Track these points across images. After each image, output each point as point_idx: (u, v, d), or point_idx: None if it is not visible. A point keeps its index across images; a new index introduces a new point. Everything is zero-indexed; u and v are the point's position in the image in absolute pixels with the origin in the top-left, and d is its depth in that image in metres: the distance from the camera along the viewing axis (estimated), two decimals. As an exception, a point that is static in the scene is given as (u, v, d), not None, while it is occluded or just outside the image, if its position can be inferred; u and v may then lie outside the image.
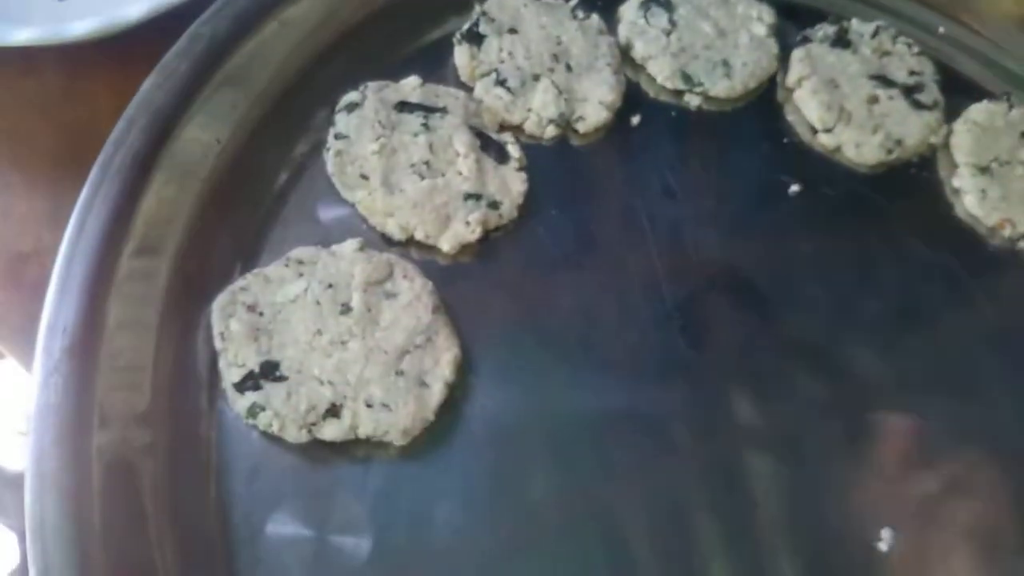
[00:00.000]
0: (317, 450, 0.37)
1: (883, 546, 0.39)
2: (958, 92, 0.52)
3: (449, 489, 0.38)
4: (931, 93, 0.51)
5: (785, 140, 0.50)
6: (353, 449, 0.38)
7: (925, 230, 0.48)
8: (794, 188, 0.48)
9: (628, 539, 0.38)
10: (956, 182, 0.49)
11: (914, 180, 0.50)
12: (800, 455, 0.41)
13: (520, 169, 0.45)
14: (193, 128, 0.42)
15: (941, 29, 0.54)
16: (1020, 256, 0.48)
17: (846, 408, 0.42)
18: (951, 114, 0.51)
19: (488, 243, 0.44)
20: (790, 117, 0.50)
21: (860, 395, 0.43)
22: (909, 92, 0.50)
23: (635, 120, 0.48)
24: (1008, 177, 0.49)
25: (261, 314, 0.39)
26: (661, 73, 0.49)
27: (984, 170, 0.49)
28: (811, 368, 0.43)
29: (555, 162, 0.46)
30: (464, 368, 0.40)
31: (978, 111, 0.51)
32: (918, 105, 0.50)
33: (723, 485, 0.40)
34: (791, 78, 0.50)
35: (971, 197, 0.49)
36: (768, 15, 0.52)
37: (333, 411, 0.37)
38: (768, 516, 0.39)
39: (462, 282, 0.42)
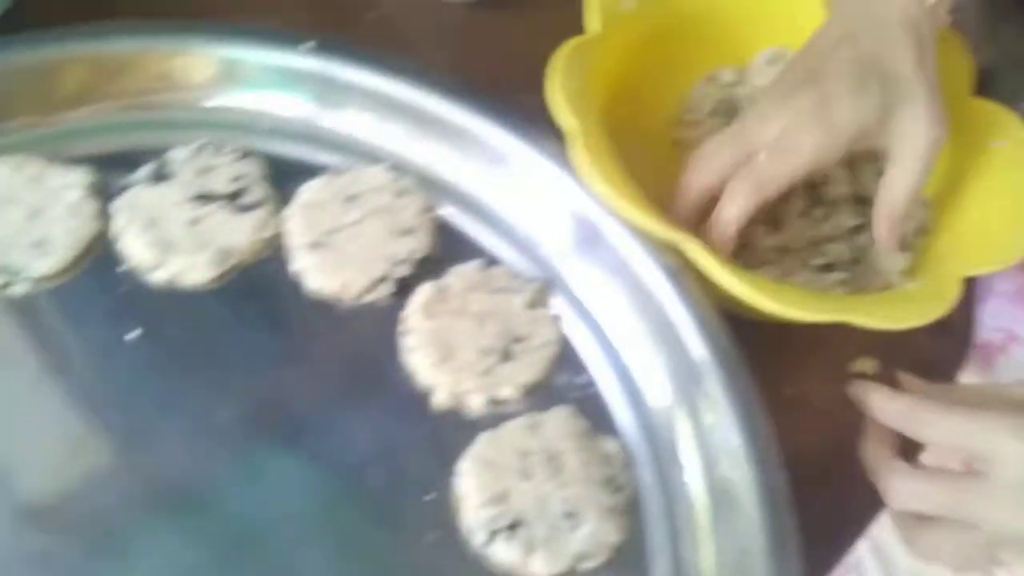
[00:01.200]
0: None
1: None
2: (291, 178, 0.54)
3: None
4: (255, 192, 0.53)
5: (122, 290, 0.51)
6: None
7: (276, 320, 0.51)
8: (133, 335, 0.49)
9: None
10: (295, 265, 0.52)
11: (261, 279, 0.52)
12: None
13: None
14: None
15: (267, 124, 0.56)
16: (371, 307, 0.51)
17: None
18: (287, 201, 0.54)
19: None
20: (125, 267, 0.51)
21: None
22: (232, 199, 0.53)
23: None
24: (338, 243, 0.52)
25: None
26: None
27: (315, 245, 0.52)
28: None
29: None
30: None
31: (308, 190, 0.54)
32: (242, 209, 0.52)
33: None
34: (114, 229, 0.52)
35: (310, 274, 0.51)
36: (82, 178, 0.53)
37: None
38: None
39: None
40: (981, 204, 0.56)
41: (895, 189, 0.49)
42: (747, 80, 0.63)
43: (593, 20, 0.55)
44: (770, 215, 0.57)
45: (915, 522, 0.45)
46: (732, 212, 0.48)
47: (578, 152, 0.48)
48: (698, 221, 0.51)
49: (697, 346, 0.48)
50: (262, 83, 0.55)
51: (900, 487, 0.44)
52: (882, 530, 0.51)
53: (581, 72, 0.53)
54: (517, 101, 0.55)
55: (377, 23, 0.65)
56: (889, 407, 0.45)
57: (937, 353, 0.58)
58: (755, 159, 0.49)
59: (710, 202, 0.50)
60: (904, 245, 0.57)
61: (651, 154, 0.59)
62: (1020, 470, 0.41)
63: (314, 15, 0.64)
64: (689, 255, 0.47)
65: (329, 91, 0.55)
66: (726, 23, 0.63)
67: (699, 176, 0.50)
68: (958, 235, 0.56)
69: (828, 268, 0.55)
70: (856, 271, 0.56)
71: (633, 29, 0.59)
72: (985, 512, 0.42)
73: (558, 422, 0.48)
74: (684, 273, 0.49)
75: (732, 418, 0.46)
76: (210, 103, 0.55)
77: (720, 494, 0.46)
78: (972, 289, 0.59)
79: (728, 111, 0.62)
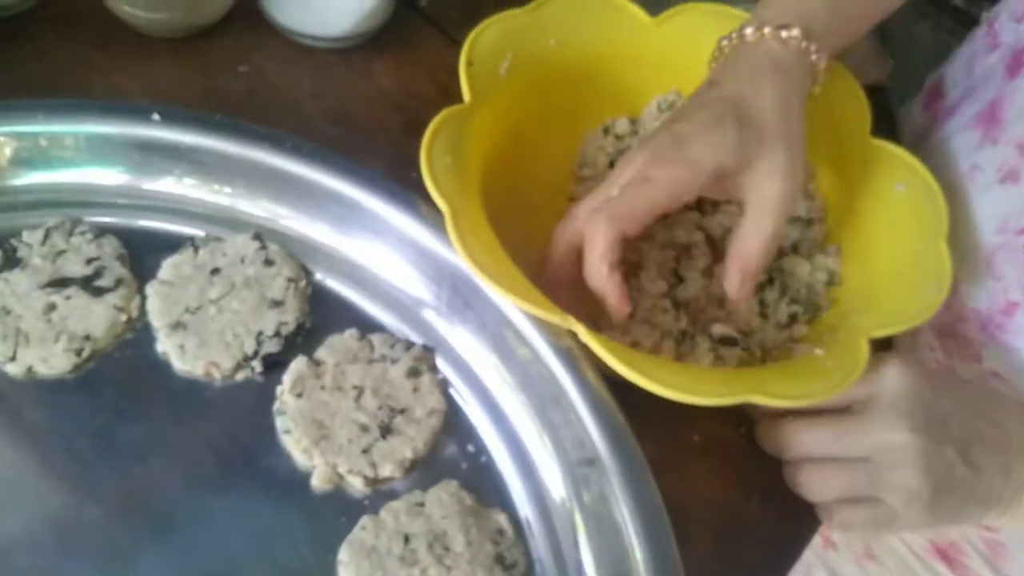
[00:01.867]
0: None
1: None
2: (152, 253, 0.51)
3: None
4: (112, 273, 0.50)
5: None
6: None
7: (142, 406, 0.48)
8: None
9: None
10: (159, 347, 0.49)
11: (125, 364, 0.49)
12: None
13: None
14: None
15: (121, 200, 0.53)
16: (244, 385, 0.48)
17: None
18: (150, 278, 0.51)
19: None
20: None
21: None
22: (88, 282, 0.50)
23: None
24: (202, 321, 0.49)
25: None
26: None
27: (178, 325, 0.49)
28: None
29: None
30: None
31: (166, 269, 0.50)
32: (99, 292, 0.49)
33: None
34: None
35: (174, 357, 0.48)
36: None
37: None
38: None
39: None
40: (888, 254, 0.54)
41: (747, 242, 0.48)
42: (641, 129, 0.62)
43: (466, 90, 0.53)
44: (673, 271, 0.56)
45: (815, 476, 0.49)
46: (594, 253, 0.46)
47: (451, 232, 0.46)
48: (572, 278, 0.48)
49: (584, 416, 0.46)
50: (116, 157, 0.52)
51: (793, 438, 0.50)
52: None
53: (459, 141, 0.51)
54: (396, 153, 0.53)
55: (249, 76, 0.62)
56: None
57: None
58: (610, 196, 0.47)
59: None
60: (814, 296, 0.56)
61: (551, 210, 0.58)
62: (897, 387, 0.47)
63: (185, 71, 0.61)
64: (574, 331, 0.45)
65: (188, 161, 0.52)
66: (616, 72, 0.61)
67: (563, 227, 0.48)
68: (866, 287, 0.54)
69: (730, 342, 0.53)
70: (763, 329, 0.55)
71: (519, 87, 0.57)
72: (866, 438, 0.47)
73: (443, 499, 0.46)
74: (572, 351, 0.47)
75: (621, 487, 0.44)
76: (61, 179, 0.52)
77: (615, 570, 0.44)
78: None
79: None
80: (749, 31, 0.51)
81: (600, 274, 0.46)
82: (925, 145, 0.61)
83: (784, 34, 0.50)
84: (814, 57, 0.50)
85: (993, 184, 0.54)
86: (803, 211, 0.58)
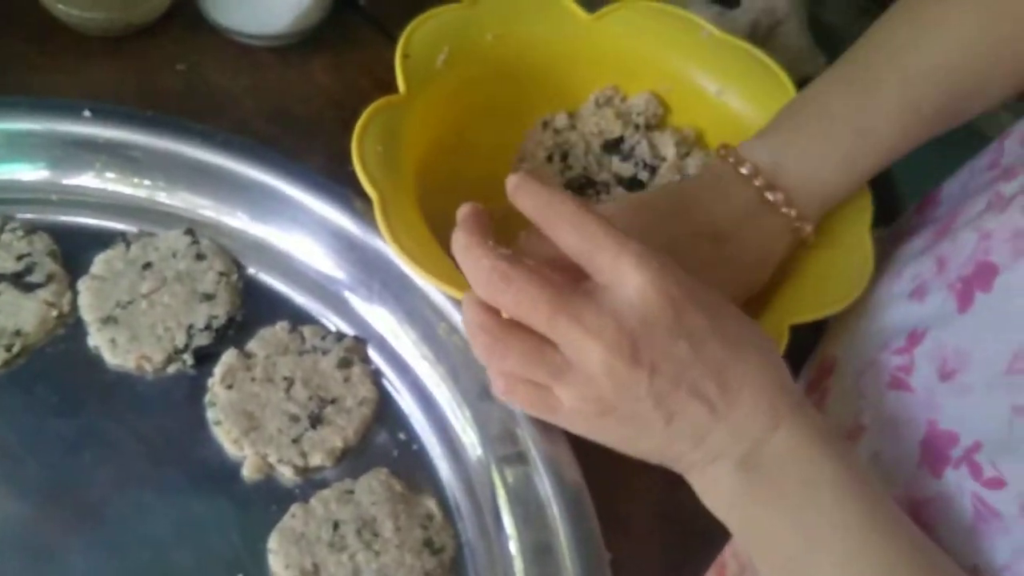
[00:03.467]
0: None
1: None
2: (85, 249, 0.51)
3: None
4: (43, 269, 0.50)
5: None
6: None
7: (74, 400, 0.48)
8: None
9: None
10: (91, 342, 0.49)
11: (57, 359, 0.49)
12: None
13: None
14: None
15: (54, 196, 0.53)
16: (175, 378, 0.49)
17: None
18: (82, 274, 0.51)
19: None
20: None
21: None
22: (19, 278, 0.50)
23: None
24: (134, 315, 0.49)
25: None
26: None
27: (109, 319, 0.49)
28: None
29: None
30: None
31: (98, 264, 0.51)
32: (29, 288, 0.49)
33: None
34: None
35: (105, 351, 0.49)
36: None
37: None
38: None
39: None
40: (812, 246, 0.55)
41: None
42: (579, 124, 0.62)
43: (401, 82, 0.53)
44: None
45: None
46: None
47: (379, 219, 0.47)
48: None
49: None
50: (45, 154, 0.52)
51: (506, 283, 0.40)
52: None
53: (393, 131, 0.52)
54: (333, 149, 0.53)
55: (188, 75, 0.63)
56: (529, 199, 0.42)
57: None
58: None
59: None
60: None
61: (489, 201, 0.58)
62: (633, 301, 0.38)
63: (122, 70, 0.61)
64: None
65: (119, 157, 0.52)
66: (554, 68, 0.62)
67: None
68: (790, 276, 0.55)
69: None
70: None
71: (456, 81, 0.57)
72: (571, 331, 0.39)
73: (373, 486, 0.46)
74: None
75: (545, 471, 0.45)
76: (-10, 177, 0.52)
77: (539, 550, 0.45)
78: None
79: (562, 156, 0.61)
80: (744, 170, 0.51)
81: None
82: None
83: (770, 196, 0.50)
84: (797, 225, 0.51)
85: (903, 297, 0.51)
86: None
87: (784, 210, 0.50)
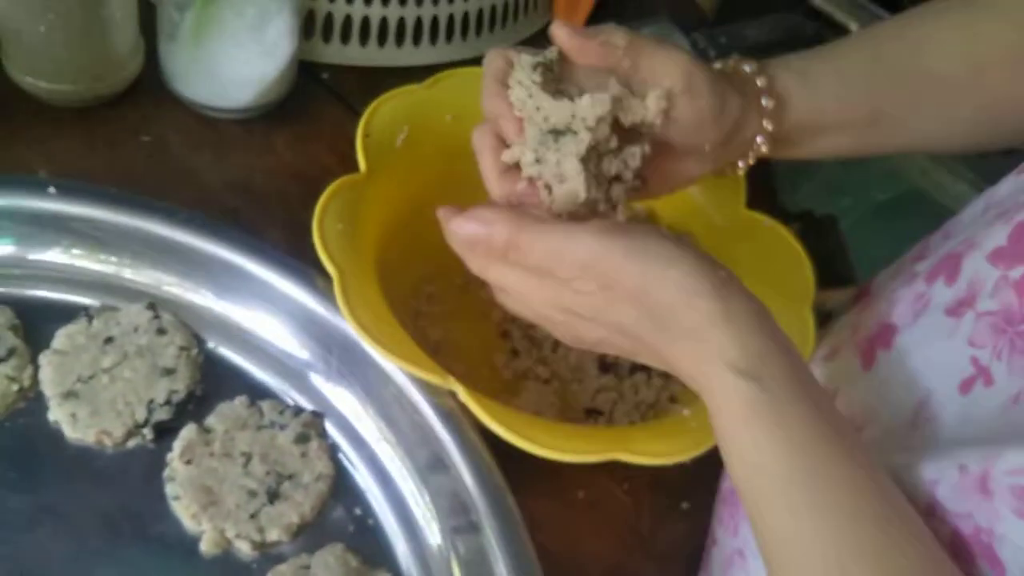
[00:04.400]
0: None
1: None
2: (47, 322, 0.52)
3: None
4: (4, 343, 0.51)
5: None
6: None
7: (33, 474, 0.48)
8: None
9: None
10: (51, 416, 0.50)
11: (17, 433, 0.50)
12: None
13: None
14: None
15: (17, 271, 0.54)
16: (135, 453, 0.50)
17: None
18: (44, 348, 0.51)
19: None
20: None
21: None
22: (-20, 353, 0.50)
23: None
24: (95, 390, 0.50)
25: None
26: None
27: (70, 394, 0.50)
28: None
29: None
30: None
31: (60, 338, 0.51)
32: (-10, 362, 0.50)
33: None
34: None
35: (65, 426, 0.49)
36: None
37: None
38: None
39: None
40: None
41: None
42: None
43: (362, 160, 0.55)
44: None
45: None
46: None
47: (339, 297, 0.48)
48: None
49: (467, 481, 0.48)
50: (10, 230, 0.53)
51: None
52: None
53: (354, 208, 0.53)
54: (295, 222, 0.54)
55: (152, 147, 0.64)
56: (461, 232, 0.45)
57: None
58: None
59: None
60: None
61: (448, 273, 0.60)
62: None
63: (87, 142, 0.63)
64: (456, 394, 0.47)
65: (83, 233, 0.53)
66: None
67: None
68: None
69: (595, 413, 0.57)
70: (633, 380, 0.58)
71: (416, 158, 0.59)
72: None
73: (329, 562, 0.47)
74: (454, 412, 0.49)
75: (498, 542, 0.46)
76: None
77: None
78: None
79: None
80: None
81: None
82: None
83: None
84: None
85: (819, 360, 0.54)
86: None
87: (764, 101, 0.50)
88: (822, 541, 0.37)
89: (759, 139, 0.51)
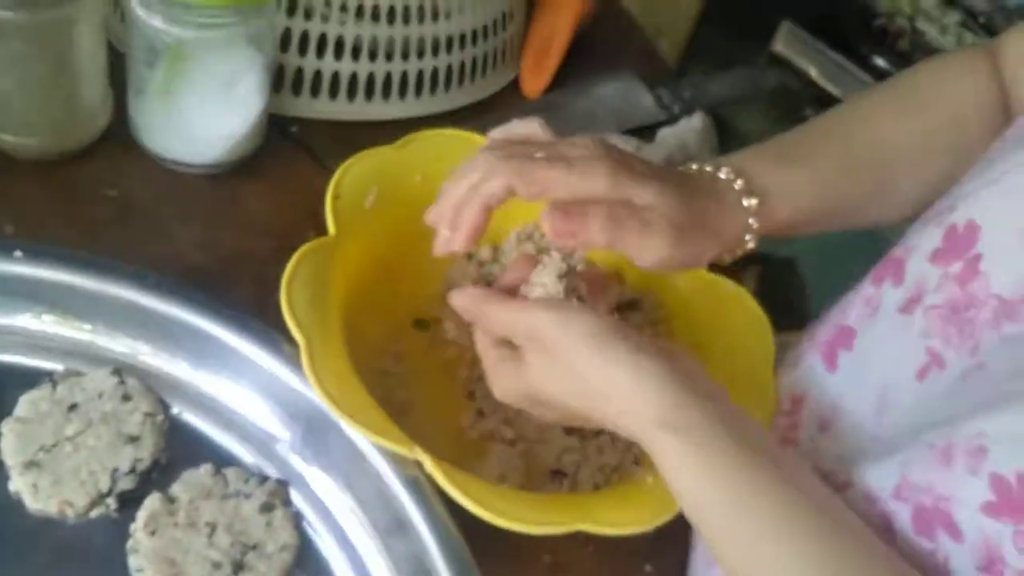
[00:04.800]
0: None
1: None
2: (10, 388, 0.52)
3: None
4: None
5: None
6: None
7: None
8: None
9: None
10: (12, 486, 0.49)
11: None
12: None
13: None
14: None
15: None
16: (98, 523, 0.49)
17: None
18: (7, 414, 0.51)
19: None
20: None
21: None
22: (-59, 419, 0.50)
23: None
24: (57, 459, 0.50)
25: None
26: None
27: (32, 464, 0.49)
28: None
29: None
30: None
31: (23, 405, 0.51)
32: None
33: None
34: None
35: (27, 496, 0.49)
36: None
37: None
38: None
39: None
40: (722, 383, 0.57)
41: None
42: (501, 257, 0.65)
43: (331, 223, 0.56)
44: None
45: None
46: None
47: (306, 365, 0.48)
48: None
49: (431, 549, 0.48)
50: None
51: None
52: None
53: (322, 273, 0.54)
54: (264, 278, 0.55)
55: (118, 201, 0.64)
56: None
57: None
58: None
59: None
60: None
61: (417, 335, 0.62)
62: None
63: (53, 196, 0.62)
64: (421, 462, 0.47)
65: (48, 298, 0.53)
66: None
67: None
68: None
69: (560, 474, 0.57)
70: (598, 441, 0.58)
71: (385, 219, 0.60)
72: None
73: (293, 633, 0.47)
74: (419, 480, 0.49)
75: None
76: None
77: None
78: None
79: (487, 287, 0.64)
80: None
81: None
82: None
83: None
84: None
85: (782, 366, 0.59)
86: (648, 337, 0.62)
87: (746, 201, 0.53)
88: (781, 565, 0.41)
89: (747, 236, 0.54)
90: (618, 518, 0.49)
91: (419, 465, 0.48)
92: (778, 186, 0.54)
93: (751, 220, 0.53)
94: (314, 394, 0.49)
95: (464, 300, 0.50)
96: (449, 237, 0.50)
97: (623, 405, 0.44)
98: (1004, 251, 0.46)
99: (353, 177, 0.59)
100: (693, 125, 0.78)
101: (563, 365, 0.45)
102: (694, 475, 0.43)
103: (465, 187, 0.49)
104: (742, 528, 0.42)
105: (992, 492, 0.40)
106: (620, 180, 0.48)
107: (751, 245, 0.55)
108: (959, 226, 0.48)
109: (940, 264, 0.49)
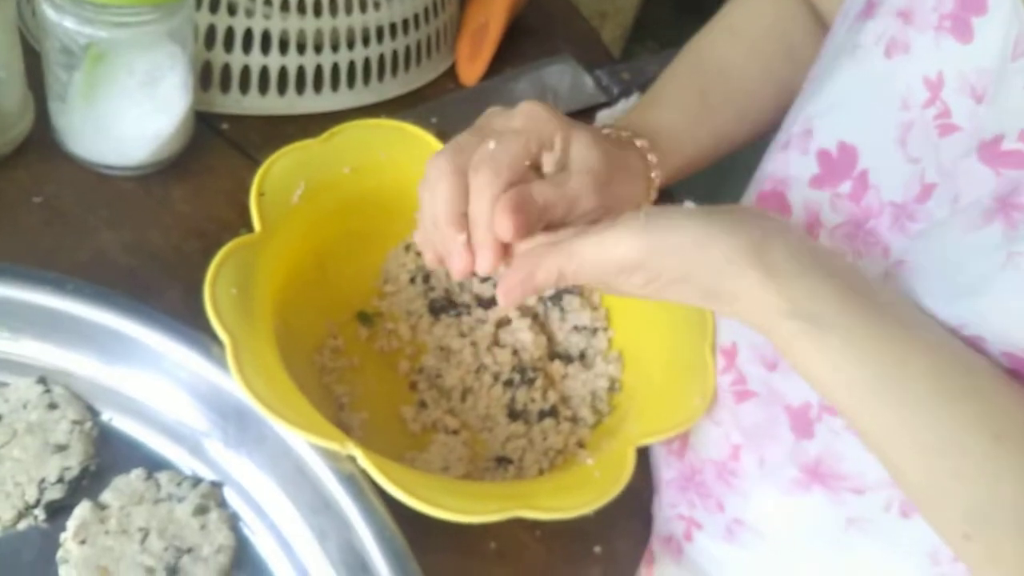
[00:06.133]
0: None
1: None
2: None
3: None
4: None
5: None
6: None
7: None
8: None
9: None
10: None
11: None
12: None
13: None
14: None
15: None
16: (27, 534, 0.48)
17: None
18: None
19: None
20: None
21: None
22: None
23: None
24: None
25: None
26: None
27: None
28: None
29: None
30: None
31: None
32: None
33: None
34: None
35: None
36: None
37: None
38: None
39: None
40: (660, 360, 0.58)
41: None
42: None
43: (257, 220, 0.55)
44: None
45: None
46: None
47: (231, 365, 0.47)
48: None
49: (368, 543, 0.48)
50: None
51: None
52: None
53: (248, 271, 0.53)
54: (194, 279, 0.53)
55: (44, 207, 0.62)
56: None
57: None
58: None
59: None
60: (597, 403, 0.60)
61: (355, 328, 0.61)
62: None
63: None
64: (355, 457, 0.47)
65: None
66: (412, 193, 0.64)
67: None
68: (640, 394, 0.58)
69: (505, 461, 0.57)
70: (542, 426, 0.58)
71: (314, 214, 0.59)
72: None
73: (232, 636, 0.46)
74: (354, 476, 0.49)
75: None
76: None
77: None
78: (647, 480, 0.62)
79: (424, 278, 0.63)
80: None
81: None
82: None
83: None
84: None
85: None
86: (588, 320, 0.62)
87: (649, 156, 0.57)
88: (924, 424, 0.41)
89: (652, 192, 0.58)
90: (558, 503, 0.49)
91: (353, 459, 0.48)
92: (667, 141, 0.59)
93: (653, 174, 0.57)
94: (243, 393, 0.49)
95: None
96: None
97: (751, 302, 0.43)
98: (887, 161, 0.48)
99: (278, 173, 0.58)
100: (632, 106, 0.78)
101: (676, 280, 0.45)
102: (831, 357, 0.42)
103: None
104: (885, 392, 0.42)
105: None
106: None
107: (654, 195, 0.58)
108: (831, 151, 0.50)
109: (827, 188, 0.51)
